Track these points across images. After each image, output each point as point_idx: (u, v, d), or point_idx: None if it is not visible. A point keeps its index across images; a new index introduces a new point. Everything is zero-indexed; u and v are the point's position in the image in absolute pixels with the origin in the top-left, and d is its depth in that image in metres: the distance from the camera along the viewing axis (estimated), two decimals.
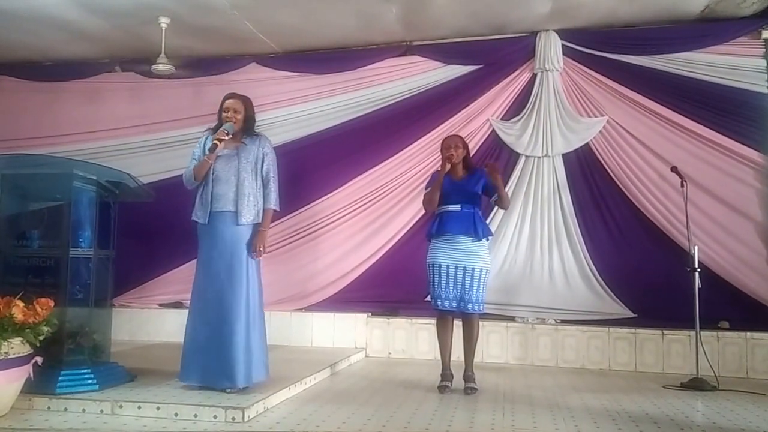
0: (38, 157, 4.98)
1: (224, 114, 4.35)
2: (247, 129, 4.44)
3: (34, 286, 4.06)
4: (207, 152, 4.23)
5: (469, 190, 4.70)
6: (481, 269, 4.63)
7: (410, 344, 6.29)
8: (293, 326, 6.58)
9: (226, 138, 4.23)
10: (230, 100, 4.39)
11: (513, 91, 6.60)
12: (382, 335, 6.38)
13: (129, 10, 6.04)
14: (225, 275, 4.16)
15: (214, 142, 4.19)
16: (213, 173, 4.27)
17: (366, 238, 6.70)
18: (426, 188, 4.87)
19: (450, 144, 4.78)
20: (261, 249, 4.28)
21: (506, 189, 6.34)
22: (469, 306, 4.61)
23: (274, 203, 4.40)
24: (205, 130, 4.51)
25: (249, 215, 4.24)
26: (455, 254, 4.63)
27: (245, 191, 4.24)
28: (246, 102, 4.44)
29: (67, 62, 7.46)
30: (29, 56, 7.38)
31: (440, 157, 4.81)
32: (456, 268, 4.62)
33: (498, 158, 6.54)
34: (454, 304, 4.64)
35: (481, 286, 4.64)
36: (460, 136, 5.07)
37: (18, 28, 6.49)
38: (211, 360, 4.10)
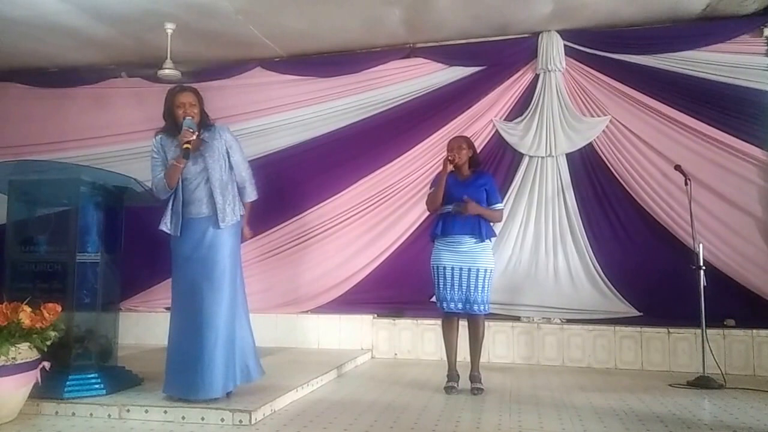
0: (45, 162, 4.99)
1: (179, 110, 3.98)
2: (203, 123, 4.09)
3: (42, 291, 4.08)
4: (180, 157, 3.90)
5: (474, 191, 4.70)
6: (485, 270, 4.65)
7: (416, 345, 6.30)
8: (299, 328, 6.61)
9: (194, 137, 3.90)
10: (185, 94, 4.03)
11: (516, 91, 6.61)
12: (388, 336, 6.40)
13: (135, 16, 6.08)
14: (204, 283, 3.93)
15: (185, 146, 3.84)
16: (181, 178, 4.01)
17: (371, 240, 6.71)
18: (430, 189, 4.89)
19: (453, 146, 4.80)
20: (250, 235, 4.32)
21: (510, 189, 6.45)
22: (475, 307, 4.63)
23: (254, 195, 4.20)
24: (157, 134, 4.14)
25: (227, 217, 4.00)
26: (459, 256, 4.64)
27: (218, 192, 3.99)
28: (198, 94, 4.11)
29: (74, 68, 7.51)
30: (36, 63, 7.43)
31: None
32: (461, 269, 4.64)
33: (502, 159, 6.57)
34: (460, 305, 4.65)
35: (486, 286, 4.65)
36: (465, 137, 5.11)
37: (25, 35, 6.53)
38: (190, 370, 3.88)
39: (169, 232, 4.04)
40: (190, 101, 4.03)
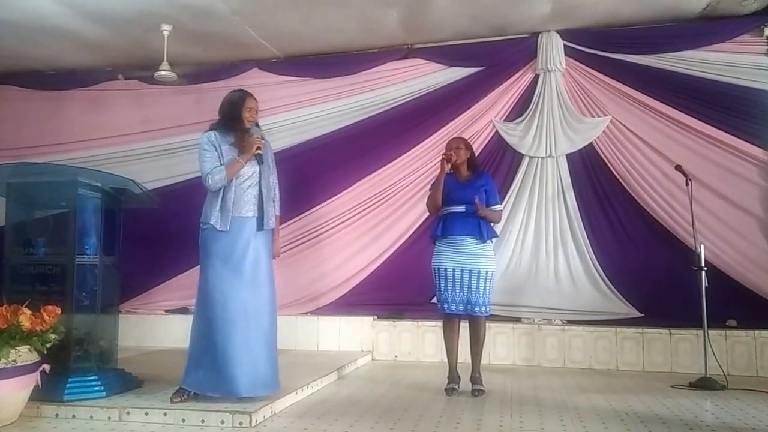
0: (43, 165, 4.99)
1: (247, 113, 4.18)
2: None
3: (41, 293, 4.06)
4: (250, 159, 4.10)
5: (474, 191, 4.67)
6: (487, 271, 4.63)
7: (416, 347, 6.28)
8: (299, 330, 6.58)
9: (262, 144, 4.18)
10: (254, 99, 4.25)
11: (515, 92, 6.60)
12: (389, 338, 6.38)
13: (131, 18, 6.07)
14: (253, 281, 4.07)
15: (258, 151, 4.10)
16: (235, 177, 4.11)
17: (371, 241, 6.70)
18: (429, 190, 4.87)
19: (452, 145, 4.79)
20: (279, 254, 4.44)
21: (510, 190, 6.44)
22: (477, 309, 4.60)
23: (278, 210, 4.43)
24: (210, 129, 4.21)
25: (271, 220, 4.24)
26: (460, 257, 4.61)
27: (267, 196, 4.20)
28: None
29: (71, 71, 7.49)
30: (33, 65, 7.42)
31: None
32: (462, 271, 4.61)
33: (502, 159, 6.57)
34: (461, 307, 4.62)
35: (488, 287, 4.64)
36: (463, 138, 5.11)
37: (22, 37, 6.51)
38: (251, 368, 3.96)
39: (217, 227, 4.05)
40: (256, 108, 4.26)
